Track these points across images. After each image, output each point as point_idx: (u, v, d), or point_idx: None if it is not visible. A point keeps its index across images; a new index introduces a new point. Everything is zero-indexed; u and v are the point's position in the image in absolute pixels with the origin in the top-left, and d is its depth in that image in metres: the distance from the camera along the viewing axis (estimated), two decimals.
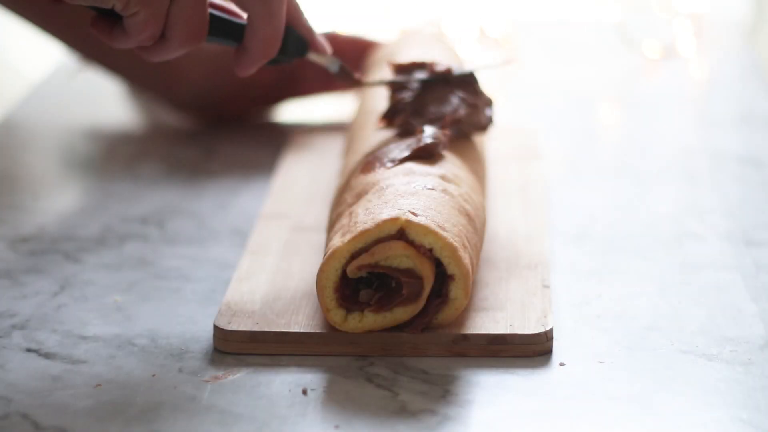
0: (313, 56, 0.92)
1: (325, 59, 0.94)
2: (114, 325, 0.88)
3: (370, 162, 0.92)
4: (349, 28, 1.44)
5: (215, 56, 1.20)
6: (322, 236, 0.95)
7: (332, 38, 1.14)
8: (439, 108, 0.95)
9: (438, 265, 0.83)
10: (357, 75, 0.98)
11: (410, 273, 0.82)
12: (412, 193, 0.85)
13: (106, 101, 1.33)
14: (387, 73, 1.04)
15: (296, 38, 0.91)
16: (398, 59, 1.04)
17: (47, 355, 0.84)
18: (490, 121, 0.99)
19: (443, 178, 0.89)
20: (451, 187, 0.88)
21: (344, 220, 0.86)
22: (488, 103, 0.99)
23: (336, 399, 0.79)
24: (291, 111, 1.28)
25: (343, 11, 1.64)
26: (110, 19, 0.85)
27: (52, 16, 1.16)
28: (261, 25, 0.87)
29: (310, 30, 0.91)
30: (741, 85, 1.39)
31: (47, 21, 1.17)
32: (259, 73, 1.21)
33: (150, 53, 0.87)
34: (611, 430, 0.76)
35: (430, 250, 0.82)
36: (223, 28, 0.88)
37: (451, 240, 0.82)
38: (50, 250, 0.99)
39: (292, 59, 0.91)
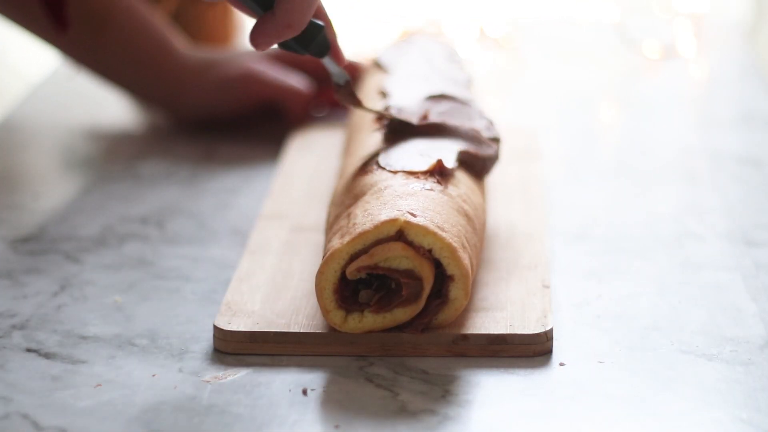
0: (328, 62, 0.92)
1: (337, 70, 0.93)
2: (114, 325, 0.88)
3: (368, 163, 0.92)
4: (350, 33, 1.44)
5: (223, 81, 1.21)
6: (322, 236, 0.95)
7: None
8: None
9: (437, 266, 0.83)
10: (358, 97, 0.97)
11: (410, 274, 0.82)
12: (410, 194, 0.85)
13: (106, 101, 1.33)
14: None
15: (323, 38, 0.90)
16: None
17: (47, 355, 0.84)
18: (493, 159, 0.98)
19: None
20: (449, 188, 0.88)
21: (342, 222, 0.86)
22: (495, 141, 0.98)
23: (336, 399, 0.79)
24: None
25: (345, 11, 1.64)
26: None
27: (58, 36, 1.17)
28: None
29: (335, 36, 0.91)
30: (741, 85, 1.39)
31: (53, 39, 1.18)
32: (260, 93, 1.21)
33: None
34: (611, 430, 0.76)
35: (430, 250, 0.82)
36: None
37: (450, 240, 0.82)
38: (50, 250, 0.99)
39: (310, 53, 0.90)
